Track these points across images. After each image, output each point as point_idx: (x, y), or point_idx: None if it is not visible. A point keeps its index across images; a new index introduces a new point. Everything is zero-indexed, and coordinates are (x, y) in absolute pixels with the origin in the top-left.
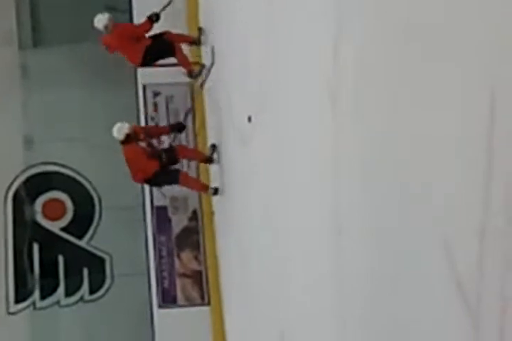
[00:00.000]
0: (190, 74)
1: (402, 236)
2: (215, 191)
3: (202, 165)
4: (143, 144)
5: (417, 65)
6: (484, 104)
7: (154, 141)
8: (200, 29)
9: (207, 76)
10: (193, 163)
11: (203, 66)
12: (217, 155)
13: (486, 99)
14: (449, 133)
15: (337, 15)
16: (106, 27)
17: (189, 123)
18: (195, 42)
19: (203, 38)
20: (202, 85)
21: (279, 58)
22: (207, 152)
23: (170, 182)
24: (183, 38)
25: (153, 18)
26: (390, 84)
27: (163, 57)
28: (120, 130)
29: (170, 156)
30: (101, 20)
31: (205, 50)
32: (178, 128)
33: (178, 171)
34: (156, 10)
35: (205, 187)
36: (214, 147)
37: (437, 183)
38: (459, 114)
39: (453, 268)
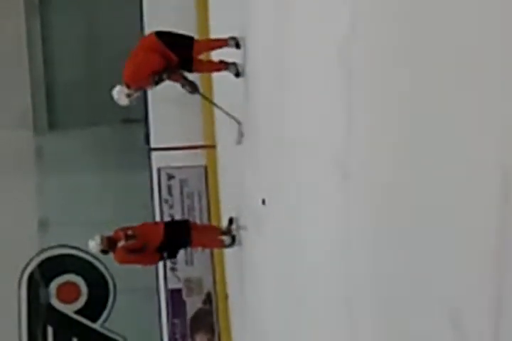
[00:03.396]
0: None
1: (412, 316)
2: (232, 240)
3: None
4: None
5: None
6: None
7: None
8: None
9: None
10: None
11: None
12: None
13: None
14: (458, 205)
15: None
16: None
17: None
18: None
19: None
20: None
21: (288, 137)
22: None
23: (182, 246)
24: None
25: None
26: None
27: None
28: (94, 248)
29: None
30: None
31: None
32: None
33: (188, 233)
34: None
35: (220, 242)
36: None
37: (446, 261)
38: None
39: None
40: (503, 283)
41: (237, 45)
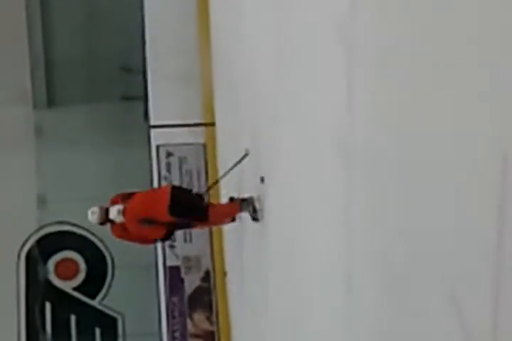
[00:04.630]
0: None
1: (411, 291)
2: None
3: None
4: None
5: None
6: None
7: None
8: None
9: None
10: None
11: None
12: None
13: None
14: (460, 189)
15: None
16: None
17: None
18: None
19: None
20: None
21: (289, 118)
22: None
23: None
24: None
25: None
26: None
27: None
28: (94, 220)
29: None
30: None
31: None
32: None
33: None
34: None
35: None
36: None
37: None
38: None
39: (463, 327)
40: (502, 262)
41: (255, 218)
